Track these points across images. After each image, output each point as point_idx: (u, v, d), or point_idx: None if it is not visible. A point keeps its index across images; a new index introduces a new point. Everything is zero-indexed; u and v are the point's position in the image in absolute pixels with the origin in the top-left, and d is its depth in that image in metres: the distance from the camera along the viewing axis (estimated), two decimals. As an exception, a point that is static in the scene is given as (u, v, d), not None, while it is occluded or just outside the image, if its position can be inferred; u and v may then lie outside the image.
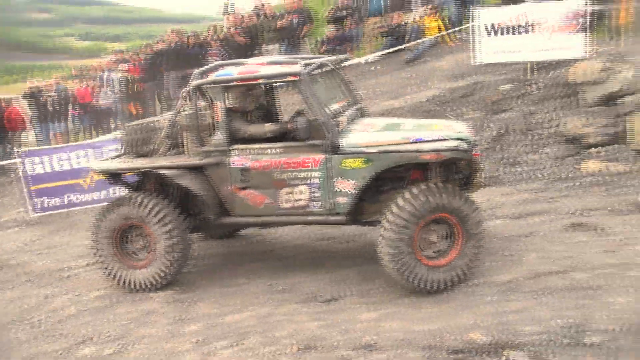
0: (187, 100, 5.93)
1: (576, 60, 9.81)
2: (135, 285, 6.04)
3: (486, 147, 9.30)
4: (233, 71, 5.92)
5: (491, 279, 5.50)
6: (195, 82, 5.82)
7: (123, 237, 6.09)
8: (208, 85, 5.82)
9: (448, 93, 10.65)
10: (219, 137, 5.74)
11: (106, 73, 15.24)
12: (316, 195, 5.59)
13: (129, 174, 6.38)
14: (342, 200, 5.55)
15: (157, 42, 14.86)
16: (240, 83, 5.82)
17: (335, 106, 6.03)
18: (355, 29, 13.47)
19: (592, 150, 8.73)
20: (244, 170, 5.69)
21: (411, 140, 5.41)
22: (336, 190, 5.53)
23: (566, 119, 9.33)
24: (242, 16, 14.03)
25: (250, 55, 12.48)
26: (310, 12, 13.68)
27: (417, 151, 5.36)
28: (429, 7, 12.74)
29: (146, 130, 6.30)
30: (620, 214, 6.93)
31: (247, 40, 13.28)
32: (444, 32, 12.46)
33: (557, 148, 9.14)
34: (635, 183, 7.71)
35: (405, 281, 5.33)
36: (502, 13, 10.77)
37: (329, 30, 12.99)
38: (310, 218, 5.74)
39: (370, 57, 13.06)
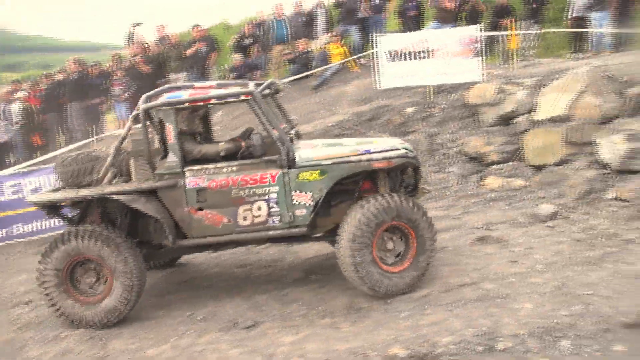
0: (136, 125, 5.83)
1: (473, 83, 10.38)
2: (91, 322, 5.76)
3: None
4: (184, 93, 5.90)
5: (407, 295, 5.69)
6: (144, 106, 5.74)
7: (72, 273, 5.81)
8: (159, 108, 5.76)
9: (355, 117, 10.92)
10: (173, 159, 5.68)
11: (2, 105, 14.52)
12: (275, 209, 5.69)
13: (65, 204, 6.13)
14: (300, 212, 5.71)
15: (57, 73, 14.38)
16: (193, 104, 5.81)
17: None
18: (261, 56, 13.61)
19: (493, 167, 9.22)
20: (200, 191, 5.66)
21: (361, 152, 5.75)
22: (294, 203, 5.69)
23: (468, 138, 9.84)
24: (145, 45, 13.82)
25: (156, 85, 12.31)
26: (215, 40, 13.72)
27: (369, 160, 5.71)
28: (332, 34, 13.10)
29: (88, 159, 6.05)
30: (521, 226, 7.38)
31: (152, 69, 13.08)
32: (348, 59, 12.83)
33: (461, 167, 9.60)
34: (532, 196, 8.21)
35: (368, 289, 5.59)
36: (402, 40, 11.24)
37: (236, 59, 13.01)
38: (271, 233, 5.79)
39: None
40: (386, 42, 11.16)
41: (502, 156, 9.31)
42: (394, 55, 11.00)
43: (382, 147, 5.90)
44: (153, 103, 5.80)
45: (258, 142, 5.62)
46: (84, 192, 5.81)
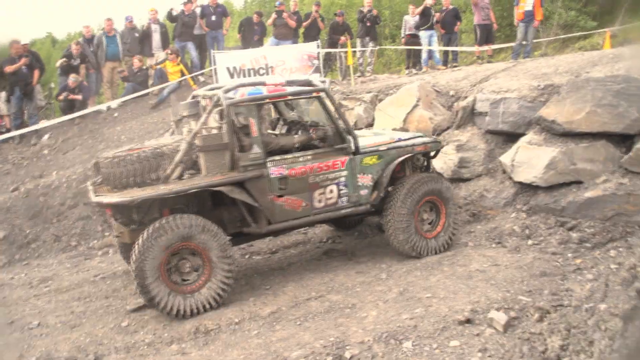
0: (221, 119, 5.94)
1: (314, 99, 10.49)
2: (194, 310, 5.68)
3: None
4: (262, 90, 6.24)
5: (256, 314, 5.57)
6: (230, 101, 5.89)
7: (168, 266, 5.71)
8: (244, 104, 5.98)
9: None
10: (257, 151, 5.99)
11: None
12: (344, 191, 6.40)
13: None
14: (364, 192, 6.52)
15: None
16: (272, 100, 6.36)
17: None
18: (92, 75, 12.74)
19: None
20: (282, 179, 6.09)
21: (396, 140, 6.79)
22: (359, 185, 6.46)
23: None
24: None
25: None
26: (38, 56, 12.65)
27: (412, 145, 6.80)
28: (169, 51, 12.63)
29: (152, 156, 5.92)
30: (366, 237, 7.59)
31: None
32: (186, 77, 12.46)
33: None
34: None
35: (409, 248, 6.51)
36: (241, 56, 11.22)
37: (72, 79, 11.99)
38: (342, 212, 6.47)
39: (113, 104, 12.51)
40: (224, 59, 11.04)
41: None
42: (234, 72, 10.91)
43: (407, 135, 7.11)
44: (238, 99, 6.00)
45: (330, 134, 6.33)
46: (182, 186, 5.72)
